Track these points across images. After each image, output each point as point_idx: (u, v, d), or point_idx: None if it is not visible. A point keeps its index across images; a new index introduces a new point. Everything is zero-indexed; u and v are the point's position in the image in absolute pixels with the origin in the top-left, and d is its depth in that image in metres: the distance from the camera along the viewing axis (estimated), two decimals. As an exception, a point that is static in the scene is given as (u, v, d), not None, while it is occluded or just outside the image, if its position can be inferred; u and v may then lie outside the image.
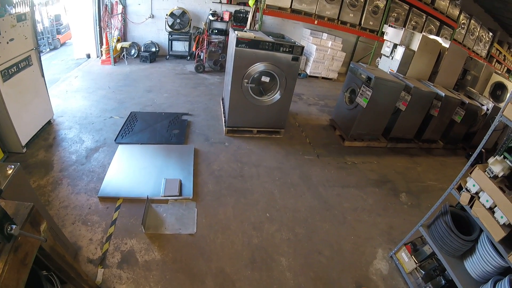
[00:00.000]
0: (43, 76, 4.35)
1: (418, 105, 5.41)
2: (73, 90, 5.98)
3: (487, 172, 2.46)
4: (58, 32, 9.45)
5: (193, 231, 3.19)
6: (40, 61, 4.27)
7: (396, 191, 4.53)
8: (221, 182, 3.95)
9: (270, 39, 4.53)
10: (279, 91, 4.76)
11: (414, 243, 3.34)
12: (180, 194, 3.60)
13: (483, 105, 6.19)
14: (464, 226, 2.80)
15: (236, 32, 4.48)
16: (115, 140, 4.48)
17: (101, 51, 7.93)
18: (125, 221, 3.17)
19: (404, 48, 5.65)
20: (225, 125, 5.03)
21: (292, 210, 3.70)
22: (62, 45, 9.55)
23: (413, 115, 5.55)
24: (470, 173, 2.52)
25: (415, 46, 5.65)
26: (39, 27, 8.52)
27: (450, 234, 2.72)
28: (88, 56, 8.27)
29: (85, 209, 3.23)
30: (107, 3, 7.45)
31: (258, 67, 4.46)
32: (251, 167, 4.36)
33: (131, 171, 3.88)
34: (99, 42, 8.17)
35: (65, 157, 3.99)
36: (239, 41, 4.20)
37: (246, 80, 4.50)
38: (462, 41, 11.65)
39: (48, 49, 8.96)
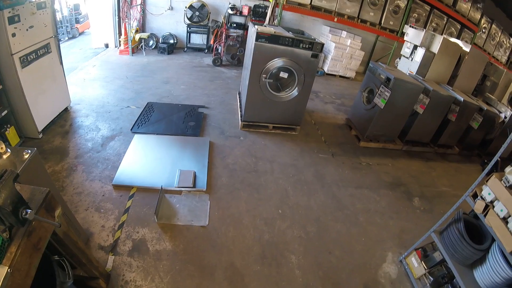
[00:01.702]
0: (61, 63, 4.42)
1: (436, 109, 5.32)
2: (91, 78, 6.07)
3: (504, 181, 2.42)
4: (77, 21, 9.60)
5: (205, 223, 3.23)
6: (59, 48, 4.34)
7: (410, 195, 4.48)
8: (235, 176, 3.97)
9: (290, 34, 4.52)
10: (296, 88, 4.74)
11: (425, 249, 3.31)
12: (194, 186, 3.64)
13: (501, 113, 6.07)
14: (476, 234, 2.75)
15: (256, 26, 4.47)
16: (131, 130, 4.54)
17: (119, 41, 8.02)
18: (138, 210, 3.21)
19: (424, 50, 5.56)
20: (241, 119, 5.05)
21: (305, 208, 3.71)
22: (80, 34, 9.73)
23: (430, 119, 5.46)
24: (486, 181, 2.48)
25: (435, 48, 5.54)
26: (58, 16, 8.66)
27: (462, 242, 2.69)
28: (106, 46, 8.38)
29: (99, 196, 3.29)
30: (126, -6, 7.52)
31: (277, 62, 4.44)
32: (266, 162, 4.37)
33: (146, 160, 3.93)
34: (117, 32, 8.26)
35: (81, 144, 4.06)
36: (259, 36, 4.19)
37: (265, 75, 4.49)
38: (483, 46, 11.39)
39: (67, 38, 9.12)
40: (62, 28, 8.90)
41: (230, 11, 8.53)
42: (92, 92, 5.48)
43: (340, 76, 9.65)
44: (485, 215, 2.44)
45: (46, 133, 4.12)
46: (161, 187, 3.47)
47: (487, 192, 2.45)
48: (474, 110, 5.63)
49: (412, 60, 5.89)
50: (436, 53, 5.53)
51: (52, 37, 4.14)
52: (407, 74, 5.69)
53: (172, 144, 4.35)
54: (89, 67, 6.69)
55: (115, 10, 8.02)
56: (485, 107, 5.69)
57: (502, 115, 6.05)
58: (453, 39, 5.98)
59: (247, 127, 5.07)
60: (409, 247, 3.35)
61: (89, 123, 4.56)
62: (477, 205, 2.49)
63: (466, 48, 5.86)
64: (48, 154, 3.76)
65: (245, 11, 8.60)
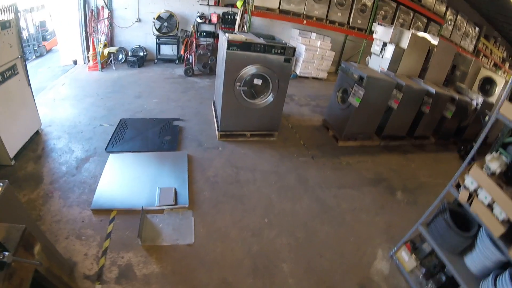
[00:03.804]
0: (29, 85, 4.20)
1: (409, 103, 5.44)
2: (61, 98, 5.82)
3: (485, 169, 2.46)
4: (44, 39, 9.21)
5: (191, 241, 3.12)
6: (26, 69, 4.13)
7: (392, 189, 4.53)
8: (217, 188, 3.88)
9: (261, 41, 4.49)
10: (271, 94, 4.70)
11: (413, 241, 3.35)
12: (176, 203, 3.52)
13: (472, 100, 6.27)
14: (462, 222, 2.80)
15: (226, 34, 4.42)
16: (105, 149, 4.36)
17: (88, 57, 7.76)
18: (121, 234, 3.07)
19: (394, 46, 5.67)
20: (217, 129, 4.96)
21: (291, 214, 3.67)
22: (48, 52, 9.33)
23: (405, 113, 5.58)
24: (468, 170, 2.52)
25: (404, 44, 5.67)
26: (24, 34, 8.30)
27: (450, 232, 2.73)
28: (75, 62, 8.07)
29: (79, 223, 3.13)
30: (93, 8, 7.30)
31: (250, 69, 4.40)
32: (247, 171, 4.30)
33: (123, 181, 3.78)
34: (85, 48, 7.99)
35: (55, 169, 3.86)
36: (230, 44, 4.14)
37: (238, 83, 4.44)
38: (450, 37, 11.79)
39: (34, 57, 8.72)
40: (29, 46, 8.50)
41: (199, 20, 8.44)
42: (63, 112, 5.25)
43: (313, 78, 9.72)
44: (470, 204, 2.48)
45: (19, 159, 3.89)
46: (142, 208, 3.32)
47: (470, 181, 2.50)
48: (446, 100, 5.80)
49: (382, 57, 6.00)
50: (406, 48, 5.66)
51: (18, 57, 3.92)
52: (379, 71, 5.79)
53: (149, 161, 4.22)
54: (58, 86, 6.42)
55: (82, 25, 7.74)
56: (457, 96, 5.87)
57: (474, 102, 6.24)
58: (421, 33, 6.15)
59: (224, 137, 4.98)
60: (398, 241, 3.38)
61: (62, 145, 4.35)
62: (461, 195, 2.53)
63: (435, 41, 6.03)
64: (22, 181, 3.55)
65: (214, 19, 8.53)
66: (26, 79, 4.13)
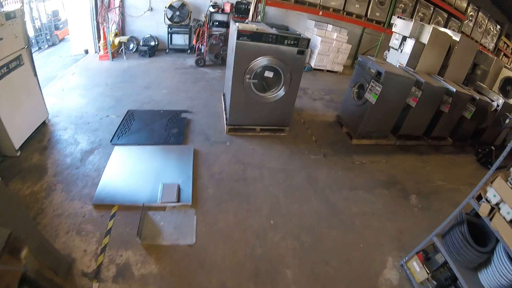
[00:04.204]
0: (35, 75, 4.14)
1: (428, 101, 5.16)
2: (70, 88, 5.76)
3: (510, 182, 2.24)
4: (57, 28, 9.28)
5: (192, 241, 2.99)
6: (32, 59, 4.06)
7: (406, 193, 4.31)
8: (222, 186, 3.74)
9: (273, 31, 4.27)
10: (283, 87, 4.50)
11: (426, 251, 3.15)
12: (178, 201, 3.40)
13: (493, 101, 5.98)
14: (478, 234, 2.61)
15: (237, 24, 4.23)
16: (111, 141, 4.27)
17: (99, 47, 7.69)
18: (121, 231, 2.98)
19: (414, 41, 5.38)
20: (226, 123, 4.79)
21: (298, 216, 3.49)
22: (61, 41, 9.36)
23: (423, 112, 5.30)
24: (491, 182, 2.30)
25: (425, 39, 5.37)
26: (37, 24, 8.37)
27: (466, 246, 2.53)
28: (86, 51, 8.03)
29: (79, 218, 3.05)
30: (103, -3, 7.19)
31: (261, 61, 4.20)
32: (254, 168, 4.14)
33: (126, 175, 3.67)
34: (96, 37, 7.91)
35: (59, 160, 3.79)
36: (241, 34, 3.94)
37: (248, 76, 4.24)
38: (470, 34, 11.35)
39: (47, 46, 8.78)
40: (41, 35, 8.57)
41: (211, 9, 8.25)
42: (71, 102, 5.18)
43: (328, 71, 9.45)
44: (491, 219, 2.26)
45: (24, 150, 3.84)
46: (143, 205, 3.21)
47: (492, 194, 2.28)
48: (466, 100, 5.51)
49: (401, 52, 5.72)
50: (426, 43, 5.36)
51: (24, 48, 3.84)
52: (397, 66, 5.52)
53: (154, 155, 4.10)
54: (68, 75, 6.36)
55: (93, 14, 7.66)
56: (477, 96, 5.58)
57: (495, 104, 5.95)
58: (442, 29, 5.81)
59: (233, 131, 4.82)
60: (409, 248, 3.21)
61: (68, 136, 4.27)
62: (482, 208, 2.31)
63: (456, 37, 5.71)
64: (27, 173, 3.49)
65: (227, 8, 8.32)
66: (32, 70, 4.07)
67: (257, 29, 4.03)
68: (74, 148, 4.04)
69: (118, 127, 4.60)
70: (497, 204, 2.27)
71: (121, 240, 2.89)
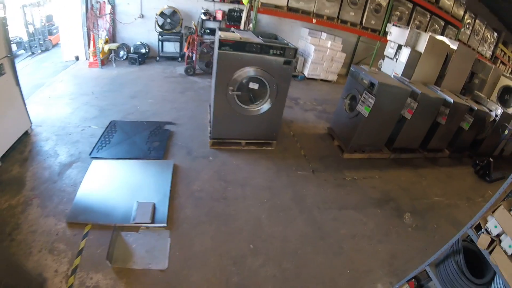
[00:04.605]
0: (18, 84, 3.97)
1: (424, 113, 4.94)
2: (56, 96, 5.57)
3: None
4: (50, 33, 9.17)
5: (164, 266, 2.76)
6: (15, 68, 3.89)
7: (400, 211, 4.05)
8: (201, 206, 3.48)
9: (258, 40, 4.05)
10: (269, 100, 4.27)
11: (418, 278, 2.88)
12: (153, 221, 3.15)
13: (491, 111, 5.78)
14: (474, 260, 2.37)
15: (220, 32, 4.01)
16: (90, 154, 4.04)
17: (89, 54, 7.50)
18: (92, 251, 2.79)
19: (409, 50, 5.17)
20: (210, 136, 4.55)
21: (281, 239, 3.23)
22: (54, 46, 9.21)
23: (419, 124, 5.08)
24: (493, 211, 2.04)
25: (421, 47, 5.18)
26: (30, 29, 8.26)
27: (462, 278, 2.28)
28: (77, 58, 7.85)
29: (53, 236, 2.88)
30: (93, 3, 7.01)
31: (245, 72, 3.97)
32: (237, 187, 3.88)
33: (102, 192, 3.46)
34: (87, 44, 7.73)
35: (38, 174, 3.61)
36: (222, 43, 3.72)
37: (231, 88, 4.01)
38: (467, 42, 11.23)
39: (40, 51, 8.67)
40: (34, 41, 8.46)
41: (203, 17, 8.07)
42: (56, 111, 4.99)
43: (322, 80, 9.24)
44: (490, 252, 2.01)
45: (6, 161, 3.67)
46: (114, 226, 2.99)
47: (493, 225, 2.02)
48: (464, 111, 5.32)
49: (396, 61, 5.52)
50: (423, 52, 5.17)
51: (5, 57, 3.66)
52: (392, 76, 5.30)
53: (132, 171, 3.86)
54: (57, 82, 6.19)
55: (84, 21, 7.50)
56: (475, 106, 5.39)
57: (493, 114, 5.76)
58: (439, 37, 5.61)
59: (217, 145, 4.56)
60: (401, 274, 3.00)
61: (48, 148, 4.08)
62: (481, 240, 2.06)
63: (454, 45, 5.51)
64: (6, 185, 3.34)
65: (219, 15, 8.15)
66: (14, 79, 3.91)
67: (240, 38, 3.81)
68: (53, 161, 3.85)
69: (99, 139, 4.38)
70: (498, 236, 2.02)
71: (92, 261, 2.71)
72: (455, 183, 5.17)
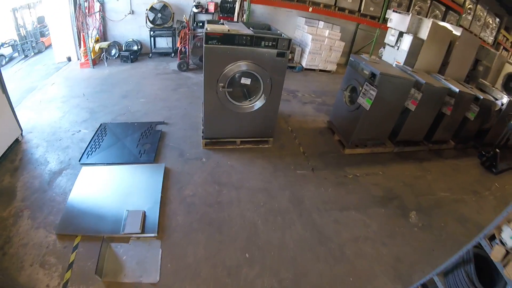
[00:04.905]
0: (4, 92, 3.81)
1: (429, 103, 4.68)
2: (47, 100, 5.40)
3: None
4: (42, 35, 9.05)
5: (156, 279, 2.59)
6: (1, 76, 3.73)
7: (405, 210, 3.84)
8: (193, 212, 3.28)
9: (248, 31, 3.79)
10: (263, 95, 4.03)
11: (425, 285, 2.69)
12: (143, 231, 2.98)
13: (497, 100, 5.53)
14: (485, 269, 2.16)
15: (207, 25, 3.77)
16: (79, 161, 3.87)
17: (81, 54, 7.28)
18: (82, 265, 2.65)
19: (411, 37, 4.90)
20: (202, 136, 4.34)
21: (278, 246, 3.02)
22: (47, 47, 9.09)
23: (423, 115, 4.83)
24: (509, 221, 1.83)
25: (423, 34, 4.90)
26: (22, 31, 8.16)
27: (471, 288, 2.08)
28: (69, 59, 7.66)
29: (43, 248, 2.76)
30: (80, 2, 6.75)
31: (235, 67, 3.73)
32: (231, 190, 3.67)
33: (91, 200, 3.29)
34: (78, 44, 7.51)
35: (28, 183, 3.47)
36: (209, 37, 3.47)
37: (222, 84, 3.77)
38: (469, 27, 10.85)
39: (33, 53, 8.56)
40: (27, 43, 8.36)
41: (195, 10, 7.80)
42: (47, 116, 4.83)
43: (320, 70, 8.96)
44: (504, 265, 1.81)
45: None
46: (103, 238, 2.80)
47: (508, 235, 1.81)
48: (470, 101, 5.05)
49: (398, 49, 5.25)
50: (425, 39, 4.89)
51: None
52: (394, 65, 5.05)
53: (122, 176, 3.67)
54: (48, 85, 6.01)
55: (73, 21, 7.26)
56: (481, 95, 5.13)
57: (499, 103, 5.50)
58: (442, 23, 5.33)
59: (210, 145, 4.34)
60: (406, 279, 2.84)
61: (39, 155, 3.93)
62: (495, 252, 1.85)
63: (457, 32, 5.23)
64: None
65: (212, 8, 7.88)
66: (0, 88, 3.73)
67: (228, 30, 3.55)
68: (44, 169, 3.70)
69: (89, 144, 4.21)
70: (514, 248, 1.82)
71: (83, 275, 2.57)
72: (460, 176, 4.94)
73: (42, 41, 8.91)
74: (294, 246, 3.06)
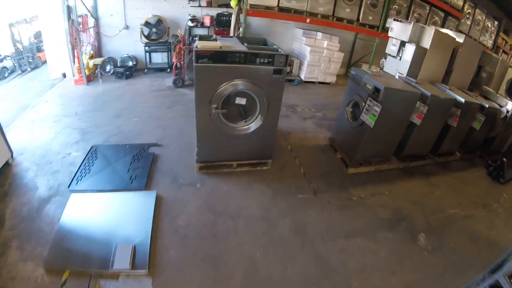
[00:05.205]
0: None
1: (435, 116, 4.47)
2: (40, 119, 5.25)
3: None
4: (39, 50, 9.11)
5: (146, 323, 2.35)
6: None
7: (414, 232, 3.59)
8: (187, 245, 3.04)
9: (242, 48, 3.58)
10: (259, 116, 3.82)
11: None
12: (133, 267, 2.74)
13: (502, 107, 5.35)
14: None
15: (198, 42, 3.57)
16: (68, 187, 3.66)
17: (75, 70, 7.16)
18: None
19: (414, 46, 4.71)
20: (197, 159, 4.10)
21: (279, 283, 2.77)
22: (44, 63, 9.06)
23: (429, 128, 4.60)
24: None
25: (426, 43, 4.72)
26: (19, 47, 8.27)
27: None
28: (64, 75, 7.54)
29: (31, 283, 2.59)
30: (73, 18, 6.63)
31: (230, 86, 3.51)
32: (227, 219, 3.41)
33: (80, 232, 3.08)
34: (72, 60, 7.38)
35: (17, 210, 3.29)
36: (199, 55, 3.24)
37: (215, 105, 3.55)
38: (468, 32, 10.71)
39: (29, 69, 8.58)
40: (23, 59, 8.43)
41: (190, 23, 7.66)
42: (38, 136, 4.68)
43: (320, 83, 8.78)
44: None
45: None
46: (91, 275, 2.65)
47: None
48: (475, 110, 4.85)
49: (400, 59, 5.05)
50: (428, 48, 4.71)
51: None
52: (397, 76, 4.85)
53: (111, 205, 3.44)
54: (42, 103, 5.88)
55: (68, 36, 7.15)
56: (486, 104, 4.94)
57: (504, 110, 5.34)
58: (444, 30, 5.15)
59: (205, 169, 4.09)
60: None
61: (28, 180, 3.75)
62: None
63: (459, 38, 5.04)
64: None
65: (207, 21, 7.75)
66: None
67: (220, 47, 3.34)
68: (32, 195, 3.52)
69: (79, 168, 3.99)
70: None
71: None
72: (469, 189, 4.72)
73: (38, 56, 8.96)
74: (297, 281, 2.81)
